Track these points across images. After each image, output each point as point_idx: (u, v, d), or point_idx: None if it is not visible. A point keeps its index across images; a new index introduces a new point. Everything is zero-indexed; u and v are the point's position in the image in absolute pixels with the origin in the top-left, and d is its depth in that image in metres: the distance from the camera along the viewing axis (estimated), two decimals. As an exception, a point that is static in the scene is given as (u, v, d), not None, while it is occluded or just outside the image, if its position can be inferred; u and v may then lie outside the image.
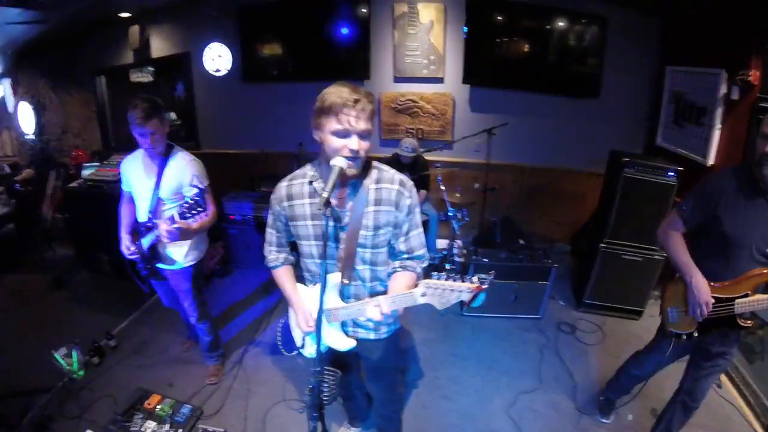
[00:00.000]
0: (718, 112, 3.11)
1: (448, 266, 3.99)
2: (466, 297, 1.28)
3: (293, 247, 1.74)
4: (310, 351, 1.77)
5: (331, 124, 1.33)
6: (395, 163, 3.93)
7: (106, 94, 6.23)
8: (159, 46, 5.39)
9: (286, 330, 1.86)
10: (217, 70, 5.06)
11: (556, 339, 3.38)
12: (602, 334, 3.45)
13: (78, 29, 5.43)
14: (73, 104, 6.25)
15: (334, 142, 1.34)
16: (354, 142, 1.33)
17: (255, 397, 2.83)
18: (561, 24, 4.09)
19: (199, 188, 2.07)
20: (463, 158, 4.53)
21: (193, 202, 1.99)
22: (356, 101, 1.30)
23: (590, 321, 3.58)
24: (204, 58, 5.04)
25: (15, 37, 4.99)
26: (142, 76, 6.31)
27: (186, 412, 2.60)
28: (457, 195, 4.13)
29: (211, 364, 3.04)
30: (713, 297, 1.79)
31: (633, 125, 4.24)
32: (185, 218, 2.03)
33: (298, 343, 1.82)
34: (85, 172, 4.66)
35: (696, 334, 1.94)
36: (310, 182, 1.52)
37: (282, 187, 1.58)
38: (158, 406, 2.59)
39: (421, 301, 1.36)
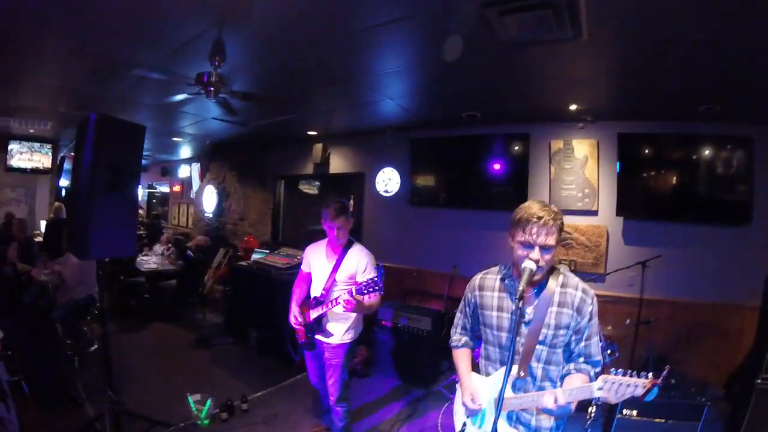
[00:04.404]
0: None
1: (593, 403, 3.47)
2: (639, 392, 1.34)
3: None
4: None
5: (519, 236, 1.52)
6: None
7: (282, 197, 7.34)
8: (337, 164, 6.33)
9: (449, 413, 1.95)
10: (386, 191, 5.72)
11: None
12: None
13: (270, 137, 6.56)
14: (255, 199, 7.43)
15: (520, 250, 1.53)
16: (535, 253, 1.49)
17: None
18: (708, 151, 3.99)
19: (379, 271, 2.48)
20: (616, 292, 4.22)
21: (370, 281, 2.37)
22: (539, 218, 1.47)
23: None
24: (376, 180, 5.76)
25: (214, 130, 6.05)
26: (309, 188, 7.48)
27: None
28: (609, 328, 3.78)
29: (337, 452, 2.85)
30: None
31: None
32: (362, 294, 2.38)
33: (458, 428, 1.80)
34: (255, 256, 5.39)
35: None
36: (502, 279, 1.67)
37: (477, 278, 1.78)
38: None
39: (597, 394, 1.39)
